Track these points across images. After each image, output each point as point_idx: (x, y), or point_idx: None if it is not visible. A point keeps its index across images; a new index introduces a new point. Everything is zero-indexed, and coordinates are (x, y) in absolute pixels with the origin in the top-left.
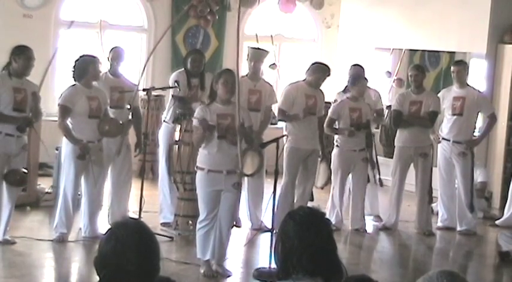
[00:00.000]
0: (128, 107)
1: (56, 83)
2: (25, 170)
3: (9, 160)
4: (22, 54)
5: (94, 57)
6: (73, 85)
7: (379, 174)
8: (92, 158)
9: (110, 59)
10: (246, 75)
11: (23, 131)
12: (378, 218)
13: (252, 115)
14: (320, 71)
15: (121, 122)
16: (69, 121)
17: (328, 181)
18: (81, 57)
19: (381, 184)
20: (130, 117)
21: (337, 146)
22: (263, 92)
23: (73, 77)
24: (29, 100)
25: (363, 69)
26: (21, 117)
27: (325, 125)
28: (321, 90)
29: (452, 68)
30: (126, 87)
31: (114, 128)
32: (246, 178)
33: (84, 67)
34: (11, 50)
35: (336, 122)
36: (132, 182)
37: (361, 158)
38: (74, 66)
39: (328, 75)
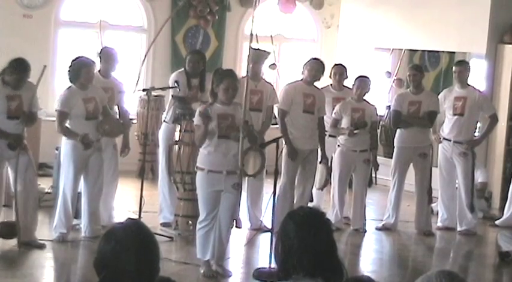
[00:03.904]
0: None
1: (56, 83)
2: (14, 221)
3: (9, 162)
4: (14, 74)
5: (88, 60)
6: (68, 88)
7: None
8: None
9: (100, 60)
10: (247, 75)
11: (14, 149)
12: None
13: (253, 115)
14: (314, 64)
15: (121, 122)
16: (67, 123)
17: (327, 182)
18: (76, 58)
19: (375, 183)
20: (118, 117)
21: (338, 145)
22: (264, 92)
23: (68, 79)
24: (25, 105)
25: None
26: (12, 134)
27: (329, 125)
28: (320, 90)
29: (454, 68)
30: (115, 88)
31: (115, 127)
32: (246, 178)
33: (77, 70)
34: (8, 62)
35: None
36: (118, 182)
37: (363, 159)
38: (69, 67)
39: (323, 70)
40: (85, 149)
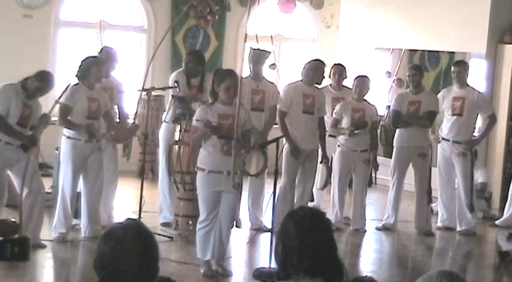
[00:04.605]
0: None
1: (55, 83)
2: (13, 219)
3: (11, 168)
4: (38, 81)
5: (99, 59)
6: (76, 84)
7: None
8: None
9: None
10: (248, 76)
11: (26, 150)
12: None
13: (255, 115)
14: (313, 69)
15: (127, 127)
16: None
17: (327, 182)
18: (86, 58)
19: (375, 183)
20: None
21: (338, 145)
22: (266, 91)
23: (76, 77)
24: (33, 117)
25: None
26: (28, 135)
27: (329, 125)
28: (320, 90)
29: (452, 68)
30: (114, 88)
31: (121, 133)
32: (248, 178)
33: (87, 68)
34: (38, 70)
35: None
36: (118, 182)
37: (363, 159)
38: (79, 66)
39: (324, 70)
40: (89, 138)
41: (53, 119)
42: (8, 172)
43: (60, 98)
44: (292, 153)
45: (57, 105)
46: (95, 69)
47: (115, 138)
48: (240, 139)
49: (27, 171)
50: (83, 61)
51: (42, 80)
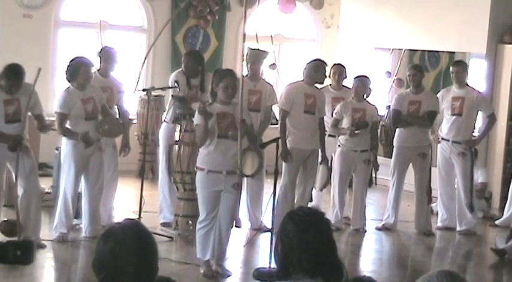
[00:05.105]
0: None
1: (55, 83)
2: (14, 219)
3: (11, 163)
4: (6, 79)
5: (87, 60)
6: (67, 88)
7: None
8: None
9: (100, 59)
10: (246, 75)
11: (13, 150)
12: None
13: (252, 115)
14: (315, 69)
15: (121, 121)
16: (67, 124)
17: (327, 183)
18: (74, 59)
19: (375, 183)
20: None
21: (338, 145)
22: (263, 92)
23: (66, 79)
24: (23, 109)
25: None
26: (12, 136)
27: (330, 125)
28: (320, 90)
29: (451, 68)
30: (114, 87)
31: (114, 127)
32: (245, 178)
33: (75, 69)
34: (3, 67)
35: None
36: (118, 182)
37: (363, 159)
38: (67, 67)
39: (325, 70)
40: (86, 147)
41: (51, 118)
42: (9, 168)
43: (34, 84)
44: (282, 155)
45: (45, 105)
46: (84, 69)
47: (107, 132)
48: (245, 120)
49: (23, 170)
50: (71, 62)
51: (10, 76)
